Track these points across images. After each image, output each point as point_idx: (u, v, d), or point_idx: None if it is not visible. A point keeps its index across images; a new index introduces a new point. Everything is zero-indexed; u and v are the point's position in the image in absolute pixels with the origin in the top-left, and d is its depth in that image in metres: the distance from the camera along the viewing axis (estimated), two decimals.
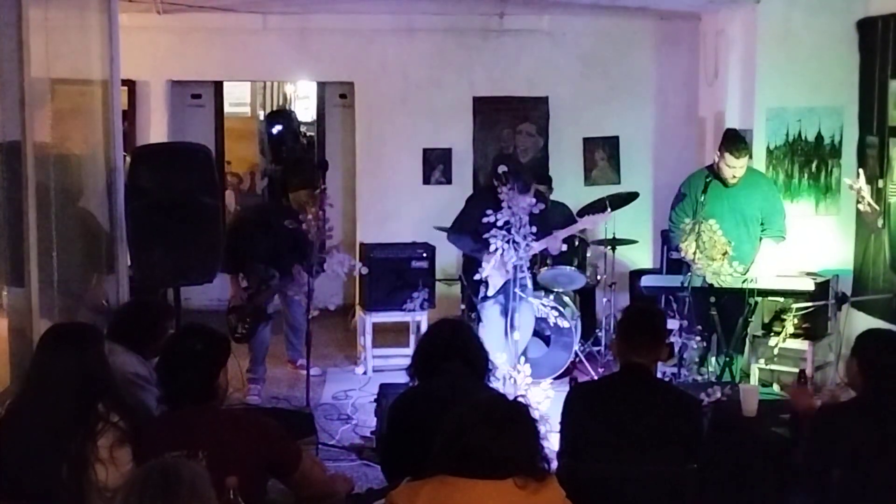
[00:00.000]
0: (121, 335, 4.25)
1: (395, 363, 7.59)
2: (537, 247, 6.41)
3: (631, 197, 8.00)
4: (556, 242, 6.64)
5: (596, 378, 6.86)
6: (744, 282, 6.00)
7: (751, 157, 6.62)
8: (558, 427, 3.82)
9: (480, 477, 2.69)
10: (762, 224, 6.49)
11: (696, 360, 6.15)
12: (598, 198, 7.81)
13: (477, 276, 6.58)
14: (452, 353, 3.92)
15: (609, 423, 3.64)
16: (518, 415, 2.83)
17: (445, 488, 2.72)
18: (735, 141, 6.35)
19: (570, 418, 3.74)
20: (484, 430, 2.71)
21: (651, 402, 3.69)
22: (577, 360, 7.34)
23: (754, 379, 6.47)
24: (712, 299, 6.05)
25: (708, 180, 6.21)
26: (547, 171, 8.69)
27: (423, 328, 7.47)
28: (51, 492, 3.16)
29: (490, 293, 6.59)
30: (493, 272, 6.50)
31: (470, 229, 6.63)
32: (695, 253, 5.91)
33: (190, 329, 3.59)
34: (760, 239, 6.50)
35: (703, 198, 6.14)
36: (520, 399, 3.07)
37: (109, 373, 3.47)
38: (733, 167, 6.29)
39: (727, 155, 6.28)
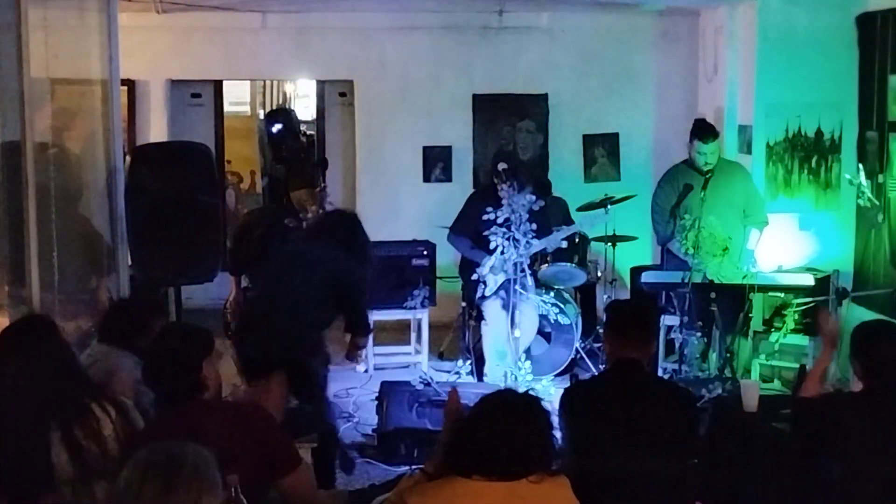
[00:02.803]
0: (111, 335, 4.23)
1: (396, 361, 7.60)
2: (537, 245, 6.42)
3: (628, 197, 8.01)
4: (555, 242, 6.67)
5: (595, 375, 6.87)
6: (743, 277, 6.01)
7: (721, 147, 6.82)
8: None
9: (494, 477, 2.59)
10: (745, 213, 6.56)
11: (697, 356, 6.15)
12: (598, 195, 7.81)
13: (474, 276, 6.60)
14: None
15: (605, 421, 3.62)
16: (531, 408, 2.72)
17: (457, 490, 2.62)
18: (702, 128, 6.61)
19: (566, 418, 3.71)
20: (497, 425, 2.62)
21: (645, 397, 3.68)
22: (578, 356, 7.34)
23: (755, 374, 6.48)
24: (712, 295, 6.06)
25: (687, 187, 6.34)
26: (546, 169, 8.69)
27: (425, 326, 7.49)
28: (46, 483, 3.17)
29: (487, 293, 6.60)
30: (490, 275, 6.51)
31: (469, 229, 6.64)
32: (696, 249, 5.93)
33: (167, 329, 3.65)
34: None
35: (683, 203, 6.27)
36: (530, 392, 2.98)
37: (75, 357, 3.50)
38: (704, 154, 6.49)
39: (697, 142, 6.51)
